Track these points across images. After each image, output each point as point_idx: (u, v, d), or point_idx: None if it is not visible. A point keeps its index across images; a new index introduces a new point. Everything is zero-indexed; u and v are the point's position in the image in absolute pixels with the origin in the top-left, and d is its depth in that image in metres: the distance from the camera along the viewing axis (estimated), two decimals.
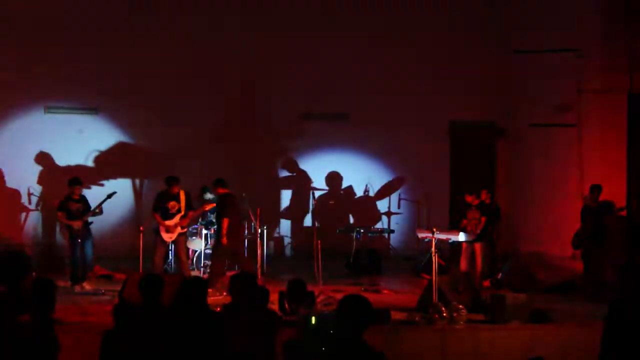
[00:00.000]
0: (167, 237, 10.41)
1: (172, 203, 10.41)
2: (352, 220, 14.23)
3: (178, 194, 10.47)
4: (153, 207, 10.58)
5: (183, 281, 6.32)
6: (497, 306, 8.65)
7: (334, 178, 14.39)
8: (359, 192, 14.36)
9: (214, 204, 11.23)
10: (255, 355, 5.67)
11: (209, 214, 11.53)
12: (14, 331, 4.92)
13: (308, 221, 14.01)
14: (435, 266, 8.61)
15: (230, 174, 13.41)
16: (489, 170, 14.65)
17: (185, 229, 10.64)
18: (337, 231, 12.76)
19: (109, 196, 10.71)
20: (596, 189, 10.96)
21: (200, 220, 11.64)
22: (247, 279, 6.33)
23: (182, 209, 10.42)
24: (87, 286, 10.38)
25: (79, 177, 10.91)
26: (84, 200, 10.74)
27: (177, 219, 10.35)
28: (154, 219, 10.50)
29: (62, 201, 10.66)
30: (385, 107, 14.07)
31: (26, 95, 13.21)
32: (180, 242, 10.55)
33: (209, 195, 11.69)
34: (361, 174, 14.34)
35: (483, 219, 10.47)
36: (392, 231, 13.42)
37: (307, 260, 11.63)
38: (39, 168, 13.29)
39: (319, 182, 14.27)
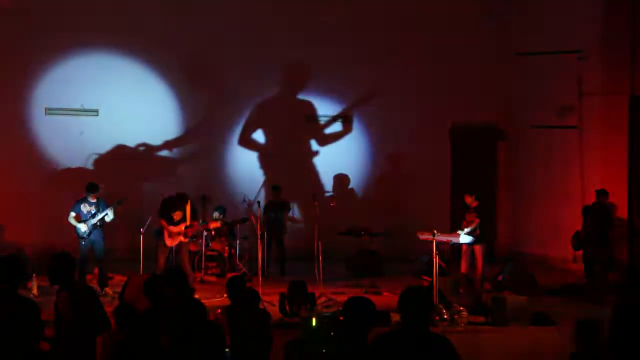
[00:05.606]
0: (169, 242, 10.40)
1: (177, 212, 10.37)
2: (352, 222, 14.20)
3: (185, 206, 10.42)
4: (159, 212, 10.53)
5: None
6: (498, 308, 8.65)
7: (341, 179, 14.40)
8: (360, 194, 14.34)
9: (219, 223, 11.26)
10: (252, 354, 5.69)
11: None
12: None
13: (309, 222, 13.98)
14: (436, 268, 8.60)
15: (231, 176, 13.49)
16: (490, 172, 14.64)
17: (187, 239, 10.59)
18: (338, 233, 12.73)
19: (119, 203, 10.61)
20: (602, 194, 11.06)
21: (200, 221, 11.63)
22: (240, 281, 6.37)
23: (188, 219, 10.39)
24: (109, 291, 10.23)
25: (95, 183, 10.61)
26: (98, 203, 10.44)
27: (181, 227, 10.32)
28: (159, 223, 10.46)
29: (77, 202, 10.49)
30: (386, 108, 14.07)
31: (27, 96, 13.19)
32: (183, 246, 10.50)
33: (216, 214, 11.85)
34: (361, 175, 14.36)
35: (476, 220, 10.41)
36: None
37: (307, 261, 11.62)
38: (39, 169, 13.28)
39: (322, 184, 14.28)
